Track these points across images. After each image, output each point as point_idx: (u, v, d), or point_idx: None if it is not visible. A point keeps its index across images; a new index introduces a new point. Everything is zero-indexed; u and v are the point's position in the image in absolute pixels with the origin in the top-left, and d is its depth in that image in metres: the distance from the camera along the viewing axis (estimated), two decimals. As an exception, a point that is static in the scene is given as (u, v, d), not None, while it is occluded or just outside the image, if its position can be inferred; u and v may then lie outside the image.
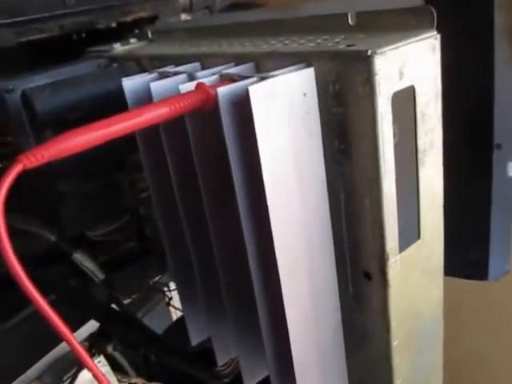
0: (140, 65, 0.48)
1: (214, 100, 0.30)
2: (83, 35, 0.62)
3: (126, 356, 0.78)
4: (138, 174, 0.53)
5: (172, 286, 0.64)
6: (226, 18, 0.48)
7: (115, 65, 0.52)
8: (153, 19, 0.66)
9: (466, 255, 0.37)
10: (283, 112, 0.29)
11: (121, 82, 0.37)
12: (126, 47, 0.56)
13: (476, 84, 0.34)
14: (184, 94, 0.30)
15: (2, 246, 0.22)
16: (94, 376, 0.27)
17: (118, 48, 0.56)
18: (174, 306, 0.62)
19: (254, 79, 0.30)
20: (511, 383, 0.95)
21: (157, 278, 0.59)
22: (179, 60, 0.40)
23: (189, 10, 0.66)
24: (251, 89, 0.28)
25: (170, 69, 0.39)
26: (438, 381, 0.37)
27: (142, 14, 0.66)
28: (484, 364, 0.95)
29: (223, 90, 0.29)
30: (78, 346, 0.26)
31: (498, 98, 0.34)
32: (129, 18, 0.65)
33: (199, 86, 0.31)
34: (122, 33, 0.63)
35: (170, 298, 0.62)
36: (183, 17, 0.64)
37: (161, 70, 0.39)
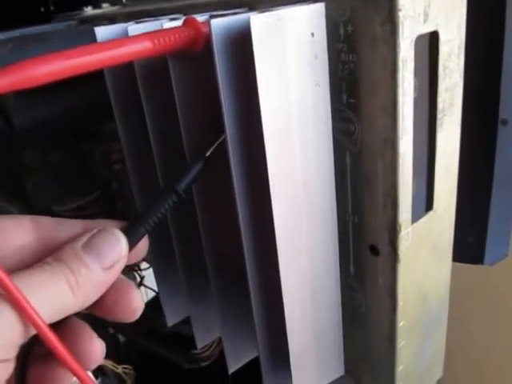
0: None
1: (205, 38, 0.24)
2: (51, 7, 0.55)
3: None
4: (111, 144, 0.46)
5: (144, 265, 0.57)
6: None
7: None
8: (128, -15, 0.59)
9: (462, 237, 0.32)
10: (288, 53, 0.23)
11: (93, 39, 0.30)
12: (99, 10, 0.50)
13: (484, 55, 0.29)
14: (170, 29, 0.24)
15: None
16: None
17: (90, 11, 0.49)
18: (146, 286, 0.55)
19: (254, 13, 0.23)
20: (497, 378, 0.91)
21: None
22: (159, 14, 0.33)
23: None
24: (253, 19, 0.21)
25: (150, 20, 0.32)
26: (439, 369, 0.32)
27: (117, -21, 0.58)
28: (470, 357, 0.90)
29: (217, 23, 0.22)
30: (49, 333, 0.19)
31: (505, 70, 0.29)
32: (102, -17, 0.57)
33: (188, 20, 0.24)
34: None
35: (142, 277, 0.55)
36: (161, -17, 0.57)
37: (139, 20, 0.33)
